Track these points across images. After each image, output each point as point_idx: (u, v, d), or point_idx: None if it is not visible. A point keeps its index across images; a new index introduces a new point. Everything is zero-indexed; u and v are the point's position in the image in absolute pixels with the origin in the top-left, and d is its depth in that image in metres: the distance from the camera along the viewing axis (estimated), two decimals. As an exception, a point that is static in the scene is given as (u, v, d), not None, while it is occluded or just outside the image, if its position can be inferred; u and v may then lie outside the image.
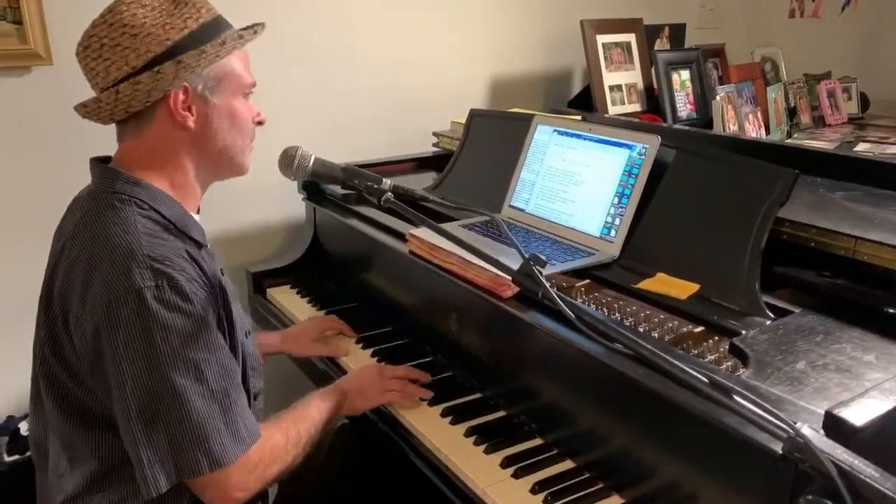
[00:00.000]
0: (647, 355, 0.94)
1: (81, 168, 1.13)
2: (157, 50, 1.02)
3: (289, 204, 2.08)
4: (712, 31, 2.98)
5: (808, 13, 3.50)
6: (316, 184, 1.89)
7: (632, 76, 2.52)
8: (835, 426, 0.81)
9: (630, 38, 2.53)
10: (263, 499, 1.17)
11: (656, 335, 1.14)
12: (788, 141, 2.72)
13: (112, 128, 1.11)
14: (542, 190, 1.58)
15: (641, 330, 1.16)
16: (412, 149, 2.22)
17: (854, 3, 3.64)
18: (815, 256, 1.24)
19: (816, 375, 0.97)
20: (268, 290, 1.89)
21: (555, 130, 1.60)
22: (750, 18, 3.18)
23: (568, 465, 1.15)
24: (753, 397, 0.83)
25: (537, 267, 1.04)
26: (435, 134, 2.20)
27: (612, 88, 2.45)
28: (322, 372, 1.55)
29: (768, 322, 1.13)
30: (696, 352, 1.09)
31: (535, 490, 1.09)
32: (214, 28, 1.07)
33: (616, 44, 2.49)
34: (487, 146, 1.82)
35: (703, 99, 2.55)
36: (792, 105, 2.96)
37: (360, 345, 1.55)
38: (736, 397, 0.85)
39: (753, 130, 2.58)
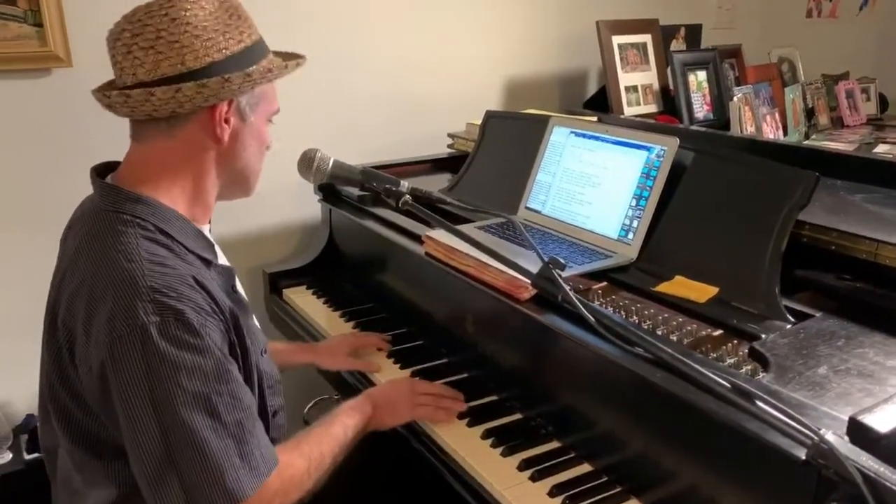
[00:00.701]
0: (667, 359, 0.94)
1: (100, 170, 1.13)
2: (216, 57, 1.00)
3: (305, 205, 2.09)
4: (729, 31, 2.96)
5: (825, 13, 3.47)
6: (332, 185, 1.89)
7: (648, 77, 2.51)
8: (859, 432, 0.80)
9: (646, 38, 2.52)
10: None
11: (675, 338, 1.13)
12: (807, 142, 2.70)
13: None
14: (558, 192, 1.58)
15: (659, 333, 1.15)
16: (427, 150, 2.22)
17: (872, 3, 3.61)
18: (836, 259, 1.23)
19: (839, 380, 0.96)
20: (284, 290, 1.90)
21: (571, 132, 1.60)
22: (766, 19, 3.16)
23: (586, 468, 1.15)
24: (776, 402, 0.83)
25: (557, 270, 1.04)
26: (450, 135, 2.21)
27: (627, 89, 2.45)
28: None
29: (788, 326, 1.12)
30: (714, 355, 1.08)
31: (552, 493, 1.09)
32: (261, 50, 1.07)
33: (632, 44, 2.48)
34: (503, 148, 1.81)
35: (719, 100, 2.54)
36: (810, 106, 2.93)
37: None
38: (758, 402, 0.84)
39: (771, 132, 2.56)
